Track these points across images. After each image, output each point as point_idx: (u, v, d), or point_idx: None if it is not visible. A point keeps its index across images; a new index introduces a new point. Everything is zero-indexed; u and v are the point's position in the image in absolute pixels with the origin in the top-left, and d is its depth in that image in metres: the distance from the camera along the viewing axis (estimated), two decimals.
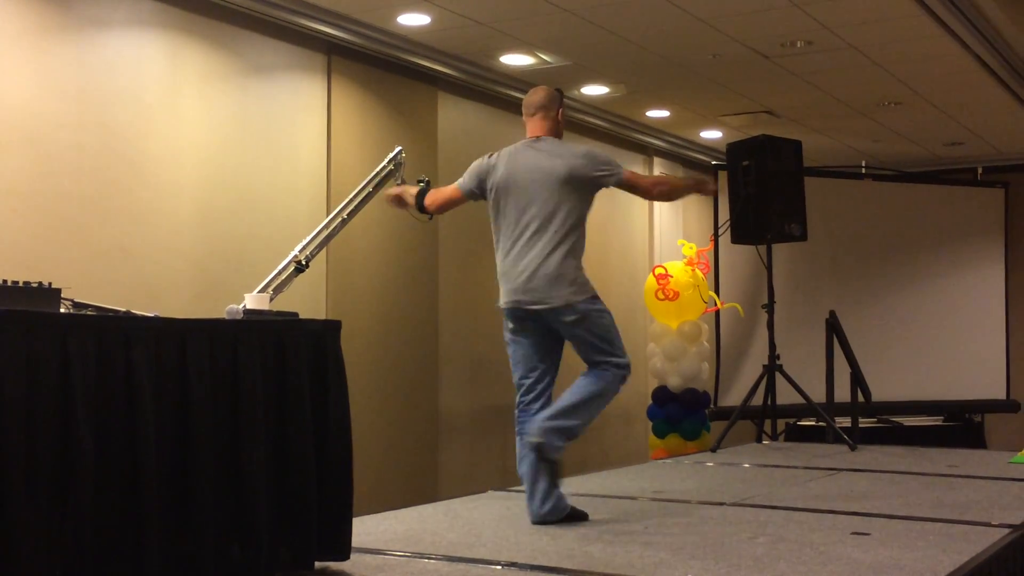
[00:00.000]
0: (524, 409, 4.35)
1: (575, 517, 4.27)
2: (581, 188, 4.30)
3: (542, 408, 4.30)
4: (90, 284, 5.07)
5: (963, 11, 6.59)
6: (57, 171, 5.23)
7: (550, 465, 4.19)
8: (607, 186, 4.36)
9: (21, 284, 2.78)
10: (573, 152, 4.34)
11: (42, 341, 2.57)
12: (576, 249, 4.28)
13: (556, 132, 4.43)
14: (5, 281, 2.77)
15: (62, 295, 2.88)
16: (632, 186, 4.43)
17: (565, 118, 4.51)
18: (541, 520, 4.19)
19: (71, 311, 2.97)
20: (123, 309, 3.16)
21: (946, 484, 5.24)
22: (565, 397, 4.26)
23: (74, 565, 2.59)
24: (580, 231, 4.30)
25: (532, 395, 4.35)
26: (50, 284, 2.86)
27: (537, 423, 4.18)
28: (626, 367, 4.35)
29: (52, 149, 5.21)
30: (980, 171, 11.00)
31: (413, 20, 6.66)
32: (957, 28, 6.77)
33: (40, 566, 2.51)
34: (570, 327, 4.28)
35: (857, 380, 7.19)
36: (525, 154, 4.35)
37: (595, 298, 4.31)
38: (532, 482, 4.21)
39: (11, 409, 2.48)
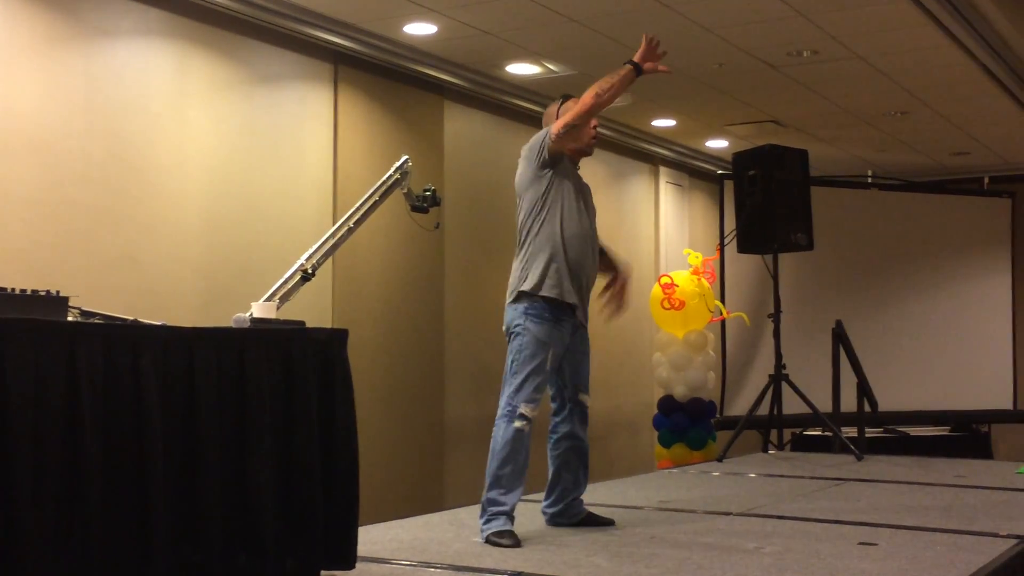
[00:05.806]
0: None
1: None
2: (527, 177, 4.12)
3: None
4: (97, 292, 5.06)
5: (969, 20, 6.59)
6: (64, 179, 5.24)
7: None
8: (546, 156, 4.03)
9: (29, 292, 2.79)
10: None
11: (50, 349, 2.57)
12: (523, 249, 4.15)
13: None
14: (13, 289, 2.78)
15: (69, 303, 2.89)
16: (572, 125, 3.95)
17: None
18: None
19: (79, 319, 2.98)
20: (130, 317, 3.16)
21: (953, 494, 5.22)
22: None
23: (81, 573, 2.59)
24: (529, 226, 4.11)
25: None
26: (58, 292, 2.86)
27: None
28: (509, 414, 4.24)
29: (59, 158, 5.22)
30: (987, 181, 11.00)
31: (420, 29, 6.67)
32: (963, 37, 6.77)
33: (47, 574, 2.51)
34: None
35: (863, 390, 7.17)
36: None
37: (524, 307, 4.12)
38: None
39: (19, 416, 2.48)
